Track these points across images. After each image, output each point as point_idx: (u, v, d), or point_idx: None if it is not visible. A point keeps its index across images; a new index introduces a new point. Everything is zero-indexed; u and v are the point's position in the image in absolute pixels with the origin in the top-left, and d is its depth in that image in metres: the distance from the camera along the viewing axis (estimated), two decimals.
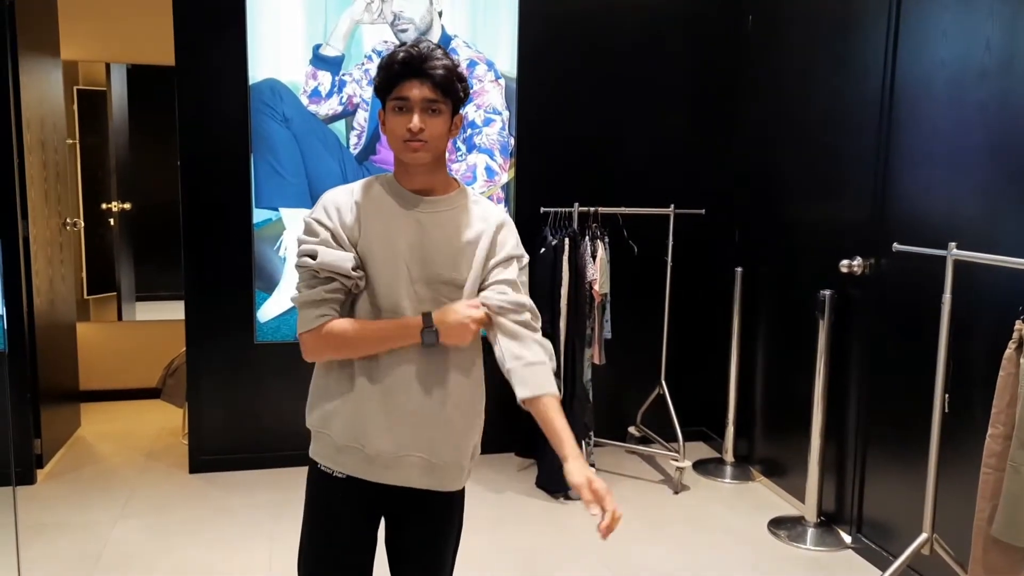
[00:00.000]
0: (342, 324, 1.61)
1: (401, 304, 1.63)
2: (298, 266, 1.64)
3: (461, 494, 1.79)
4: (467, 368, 1.70)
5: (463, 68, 1.65)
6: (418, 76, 1.58)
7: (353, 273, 1.61)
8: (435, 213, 1.67)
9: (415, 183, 1.66)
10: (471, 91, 3.77)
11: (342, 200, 1.65)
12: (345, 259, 1.60)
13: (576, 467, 1.53)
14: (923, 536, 2.60)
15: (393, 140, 1.62)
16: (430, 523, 1.75)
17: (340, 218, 1.63)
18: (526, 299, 1.69)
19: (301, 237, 1.65)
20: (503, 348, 1.64)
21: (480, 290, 1.68)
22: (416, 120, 1.57)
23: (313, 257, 1.61)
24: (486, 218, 1.70)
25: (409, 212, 1.65)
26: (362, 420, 1.64)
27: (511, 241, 1.72)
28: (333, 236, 1.62)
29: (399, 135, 1.60)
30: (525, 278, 1.75)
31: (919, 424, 2.71)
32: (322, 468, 1.70)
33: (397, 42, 3.73)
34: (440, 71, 1.58)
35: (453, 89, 1.61)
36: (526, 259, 1.75)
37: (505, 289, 1.67)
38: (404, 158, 1.63)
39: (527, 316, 1.67)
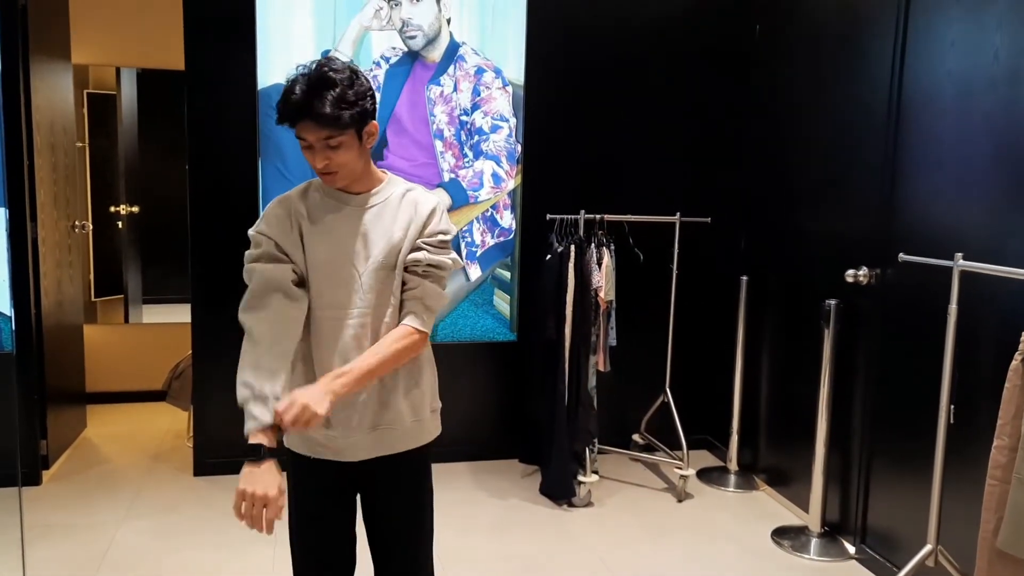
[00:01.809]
0: (261, 323, 1.79)
1: (349, 299, 1.71)
2: (245, 276, 1.74)
3: (428, 455, 1.87)
4: None
5: (368, 82, 1.69)
6: (308, 118, 1.60)
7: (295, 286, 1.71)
8: (371, 207, 1.74)
9: (347, 190, 1.75)
10: (481, 98, 3.83)
11: (280, 210, 1.74)
12: (284, 272, 1.71)
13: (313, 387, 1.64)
14: (928, 547, 2.59)
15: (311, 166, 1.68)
16: (405, 480, 1.85)
17: (280, 226, 1.72)
18: (445, 259, 1.76)
19: (247, 252, 1.74)
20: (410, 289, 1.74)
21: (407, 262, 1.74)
22: (319, 160, 1.64)
23: (253, 273, 1.72)
24: (416, 203, 1.76)
25: (348, 210, 1.73)
26: None
27: (436, 219, 1.76)
28: (277, 245, 1.71)
29: (313, 166, 1.67)
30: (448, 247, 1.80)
31: (924, 435, 2.71)
32: (299, 453, 1.85)
33: (405, 48, 3.75)
34: (327, 110, 1.57)
35: (344, 121, 1.60)
36: (452, 232, 1.80)
37: (420, 258, 1.74)
38: (326, 183, 1.71)
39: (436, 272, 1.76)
